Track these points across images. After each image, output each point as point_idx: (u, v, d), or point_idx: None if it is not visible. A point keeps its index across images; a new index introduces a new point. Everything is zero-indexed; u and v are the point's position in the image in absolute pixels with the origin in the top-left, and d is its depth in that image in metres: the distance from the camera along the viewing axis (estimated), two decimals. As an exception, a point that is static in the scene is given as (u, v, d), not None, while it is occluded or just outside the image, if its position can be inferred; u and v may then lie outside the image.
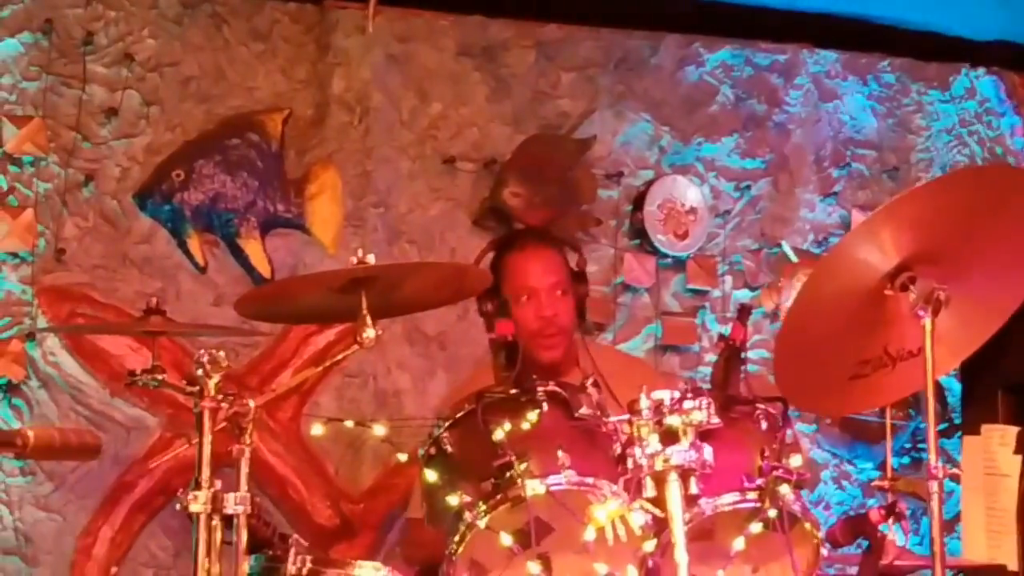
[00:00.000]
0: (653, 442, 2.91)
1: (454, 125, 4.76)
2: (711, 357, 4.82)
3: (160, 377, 3.29)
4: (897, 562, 3.35)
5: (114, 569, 4.28)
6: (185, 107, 4.47)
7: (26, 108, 4.27)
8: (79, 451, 1.78)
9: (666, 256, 5.00)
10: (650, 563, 2.94)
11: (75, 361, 4.26)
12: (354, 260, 3.13)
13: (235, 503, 3.05)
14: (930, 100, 5.47)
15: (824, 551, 3.15)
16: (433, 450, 3.07)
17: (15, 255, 4.24)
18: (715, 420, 2.94)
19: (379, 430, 3.50)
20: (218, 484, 3.06)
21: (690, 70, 5.11)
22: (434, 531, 3.06)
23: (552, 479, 2.91)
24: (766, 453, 3.05)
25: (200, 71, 4.50)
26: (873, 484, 3.69)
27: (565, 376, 3.76)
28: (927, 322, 2.97)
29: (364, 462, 4.51)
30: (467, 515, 2.91)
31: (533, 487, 2.89)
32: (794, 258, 5.15)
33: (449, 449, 3.06)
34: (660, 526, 2.90)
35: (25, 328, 4.21)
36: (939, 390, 4.96)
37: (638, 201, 4.97)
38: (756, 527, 2.99)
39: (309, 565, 3.13)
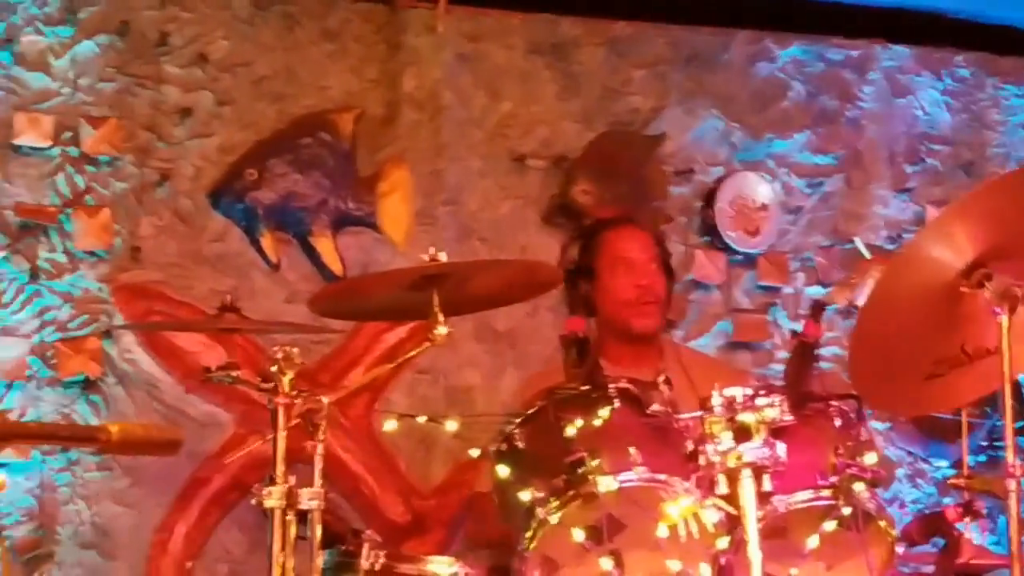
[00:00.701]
0: (726, 439, 2.91)
1: (524, 123, 4.77)
2: (783, 354, 4.80)
3: (235, 374, 3.33)
4: (974, 561, 3.32)
5: (189, 564, 4.32)
6: (258, 107, 4.51)
7: (103, 109, 4.33)
8: (161, 446, 1.81)
9: (737, 253, 4.98)
10: (723, 561, 2.94)
11: (151, 358, 4.31)
12: (425, 258, 3.14)
13: (309, 498, 3.08)
14: (1006, 95, 5.40)
15: (899, 550, 3.13)
16: (504, 446, 3.08)
17: (92, 253, 4.29)
18: (788, 417, 2.93)
19: (450, 426, 3.51)
20: (292, 480, 3.09)
21: (761, 66, 5.08)
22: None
23: (624, 476, 2.91)
24: (840, 450, 3.03)
25: (272, 71, 4.54)
26: (949, 482, 3.65)
27: (653, 353, 3.79)
28: (1004, 319, 2.93)
29: (435, 458, 4.53)
30: (539, 511, 2.92)
31: (605, 483, 2.89)
32: (867, 254, 5.11)
33: (521, 445, 3.07)
34: (733, 523, 2.90)
35: (102, 325, 4.27)
36: (1016, 388, 4.89)
37: (709, 198, 4.95)
38: (830, 525, 2.98)
39: (382, 560, 3.15)
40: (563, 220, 4.76)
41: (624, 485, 2.91)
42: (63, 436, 2.16)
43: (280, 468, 3.11)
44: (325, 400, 3.17)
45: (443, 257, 3.11)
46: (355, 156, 4.59)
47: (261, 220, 4.47)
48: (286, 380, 3.18)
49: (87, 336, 4.25)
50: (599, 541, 2.90)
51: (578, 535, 2.90)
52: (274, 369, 3.18)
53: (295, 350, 3.21)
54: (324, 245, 4.52)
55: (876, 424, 4.94)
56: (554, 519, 2.91)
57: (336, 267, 4.51)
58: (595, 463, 2.91)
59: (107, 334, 4.27)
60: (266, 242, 4.48)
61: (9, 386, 4.16)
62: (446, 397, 4.58)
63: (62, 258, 4.27)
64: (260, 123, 4.50)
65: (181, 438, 1.81)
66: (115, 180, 4.34)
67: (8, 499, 4.08)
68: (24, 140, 4.25)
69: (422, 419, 3.72)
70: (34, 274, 4.24)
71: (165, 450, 1.80)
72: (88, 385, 4.25)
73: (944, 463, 5.13)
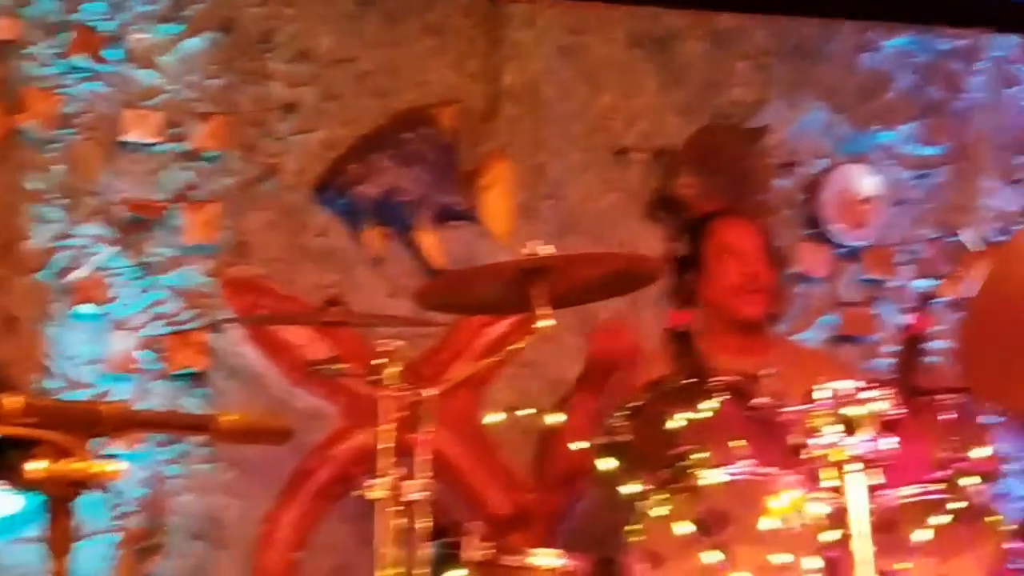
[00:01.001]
0: (833, 432, 2.88)
1: (626, 116, 4.75)
2: (889, 348, 4.74)
3: (340, 367, 3.37)
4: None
5: (295, 555, 4.36)
6: (361, 102, 4.55)
7: (209, 105, 4.40)
8: (272, 435, 1.83)
9: (842, 246, 4.93)
10: (831, 555, 2.91)
11: (257, 351, 4.36)
12: (527, 251, 3.15)
13: (414, 491, 3.10)
14: (1119, 83, 5.29)
15: (1010, 545, 3.07)
16: (609, 439, 3.08)
17: (200, 248, 4.36)
18: (897, 410, 2.89)
19: (553, 419, 3.51)
20: (397, 472, 3.11)
21: (866, 57, 5.02)
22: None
23: (730, 468, 2.90)
24: (950, 444, 2.99)
25: (375, 66, 4.57)
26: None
27: (759, 345, 3.77)
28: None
29: (537, 453, 4.53)
30: (644, 504, 2.91)
31: (710, 476, 2.88)
32: (975, 246, 5.03)
33: (625, 438, 3.06)
34: (841, 517, 2.87)
35: (209, 319, 4.33)
36: None
37: (813, 190, 4.90)
38: (940, 519, 2.93)
39: (487, 552, 3.16)
40: (665, 213, 4.74)
41: (730, 478, 2.89)
42: (177, 424, 2.20)
43: (385, 460, 3.13)
44: (430, 393, 3.19)
45: (547, 250, 3.11)
46: (456, 150, 4.61)
47: (364, 215, 4.50)
48: (391, 373, 3.21)
49: (195, 330, 4.32)
50: (705, 534, 2.89)
51: (684, 528, 2.89)
52: (379, 362, 3.21)
53: (400, 343, 3.23)
54: (426, 239, 4.54)
55: (986, 418, 4.86)
56: (659, 512, 2.90)
57: (438, 261, 4.53)
58: (701, 456, 2.90)
59: (215, 328, 4.33)
60: (369, 237, 4.51)
61: (119, 379, 4.25)
62: (548, 390, 4.58)
63: (170, 253, 4.34)
64: (363, 118, 4.54)
65: (292, 427, 1.84)
66: (221, 175, 4.40)
67: (120, 490, 4.16)
68: (133, 136, 4.33)
69: (524, 412, 3.74)
70: (143, 269, 4.32)
71: (276, 439, 1.82)
72: (196, 378, 4.31)
73: (1057, 458, 5.03)
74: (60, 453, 1.59)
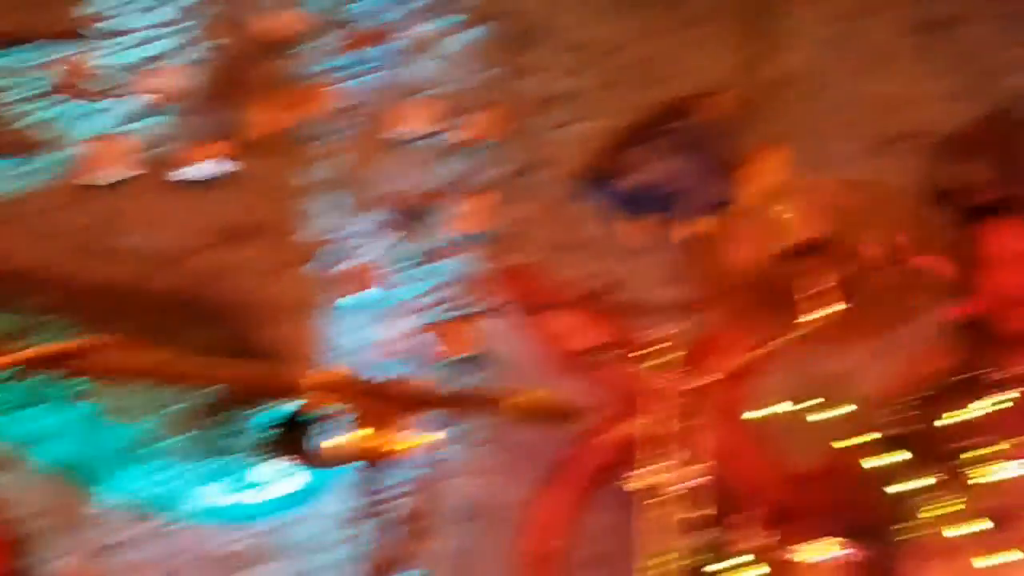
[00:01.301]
0: None
1: (904, 102, 4.63)
2: None
3: (607, 355, 3.37)
4: None
5: (559, 541, 4.40)
6: (632, 92, 4.55)
7: (483, 96, 4.47)
8: (556, 415, 1.84)
9: None
10: None
11: (528, 339, 4.41)
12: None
13: (685, 479, 3.08)
14: None
15: None
16: (891, 433, 3.01)
17: (474, 236, 4.44)
18: None
19: (826, 413, 3.45)
20: (667, 461, 3.10)
21: None
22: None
23: (1021, 463, 2.80)
24: None
25: (646, 56, 4.57)
26: None
27: None
28: None
29: (808, 445, 4.45)
30: (929, 498, 2.84)
31: (1000, 471, 2.78)
32: None
33: (905, 432, 2.99)
34: None
35: (483, 306, 4.40)
36: None
37: (1102, 181, 4.69)
38: None
39: (762, 542, 3.13)
40: (941, 203, 4.59)
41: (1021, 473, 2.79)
42: (465, 403, 2.25)
43: (653, 449, 3.12)
44: (701, 381, 3.17)
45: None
46: (725, 140, 4.57)
47: (633, 204, 4.50)
48: (661, 361, 3.21)
49: (469, 317, 4.39)
50: (997, 530, 2.79)
51: (973, 526, 2.80)
52: (648, 350, 3.21)
53: (670, 331, 3.22)
54: (695, 229, 4.51)
55: None
56: (946, 510, 2.82)
57: (708, 251, 4.49)
58: (987, 451, 2.80)
59: (488, 314, 4.39)
60: (637, 226, 4.51)
61: (395, 365, 4.35)
62: (819, 383, 4.49)
63: (444, 241, 4.42)
64: (634, 108, 4.54)
65: (576, 407, 1.85)
66: (495, 166, 4.47)
67: (396, 473, 4.26)
68: (407, 128, 4.43)
69: (797, 406, 3.68)
70: (418, 257, 4.41)
71: (560, 418, 1.84)
72: (469, 365, 4.39)
73: None
74: (366, 426, 1.63)
